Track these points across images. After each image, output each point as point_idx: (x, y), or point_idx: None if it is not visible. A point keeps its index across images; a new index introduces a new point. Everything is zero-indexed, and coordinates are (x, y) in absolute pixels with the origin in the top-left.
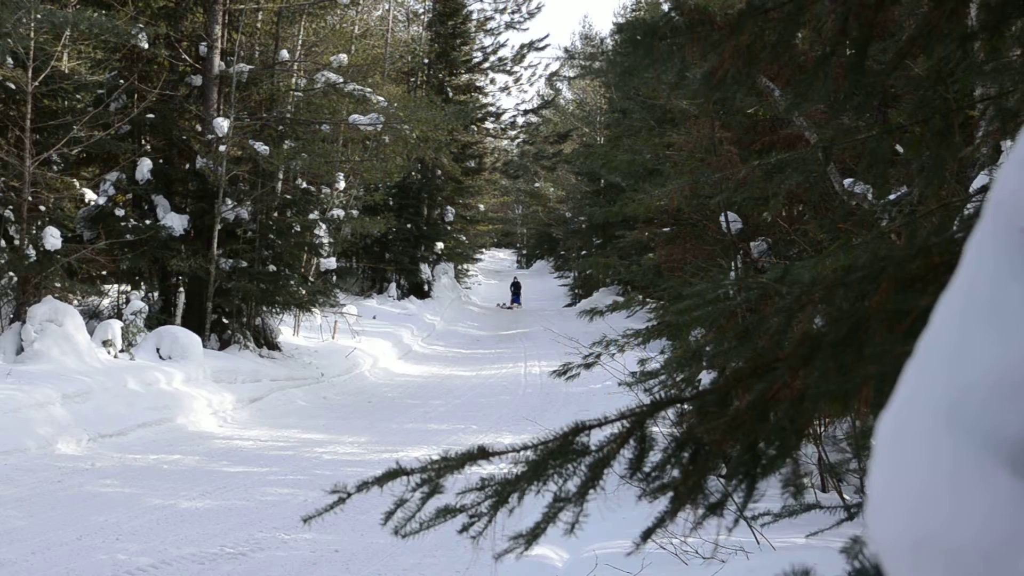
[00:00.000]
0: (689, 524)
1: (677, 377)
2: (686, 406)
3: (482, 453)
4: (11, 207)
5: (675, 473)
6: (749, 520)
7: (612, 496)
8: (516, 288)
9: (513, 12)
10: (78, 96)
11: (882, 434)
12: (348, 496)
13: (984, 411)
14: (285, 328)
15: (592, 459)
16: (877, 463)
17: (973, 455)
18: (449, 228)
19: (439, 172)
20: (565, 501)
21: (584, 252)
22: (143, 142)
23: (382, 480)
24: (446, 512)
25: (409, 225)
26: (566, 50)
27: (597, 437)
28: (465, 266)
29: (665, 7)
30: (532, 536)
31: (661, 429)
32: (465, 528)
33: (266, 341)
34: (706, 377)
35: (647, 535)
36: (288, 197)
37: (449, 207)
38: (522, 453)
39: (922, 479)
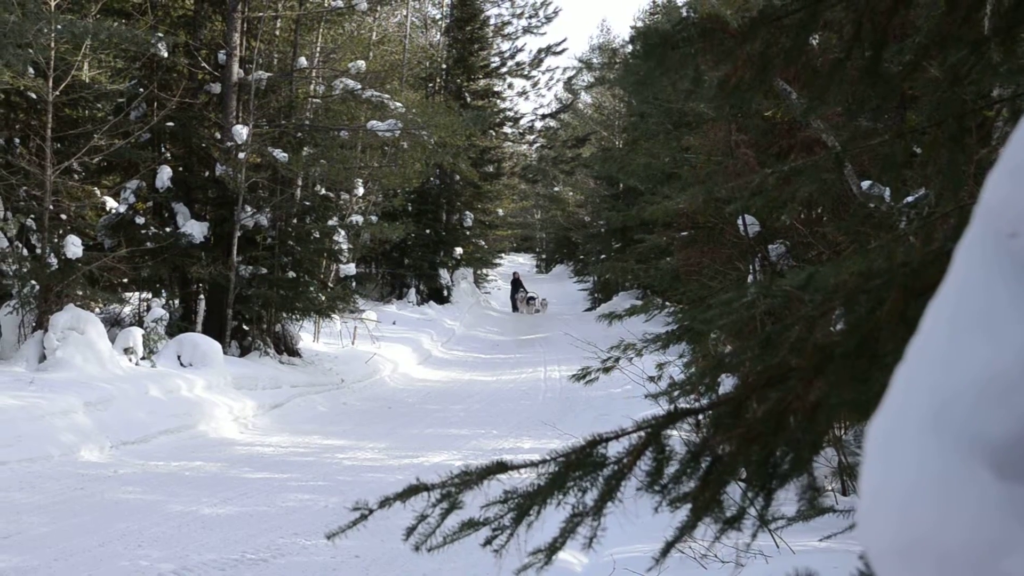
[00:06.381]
0: (709, 533)
1: (700, 388)
2: (702, 416)
3: (501, 468)
4: (33, 216)
5: (692, 484)
6: (767, 525)
7: (631, 504)
8: (516, 285)
9: (531, 17)
10: (98, 105)
11: (872, 439)
12: (370, 512)
13: (971, 416)
14: (305, 334)
15: (609, 472)
16: (867, 468)
17: (960, 459)
18: (468, 233)
19: (457, 177)
20: (583, 515)
21: (603, 256)
22: (163, 150)
23: (403, 496)
24: (470, 525)
25: (428, 230)
26: (580, 60)
27: (615, 449)
28: (484, 271)
29: (683, 11)
30: (551, 551)
31: (680, 434)
32: (488, 541)
33: (286, 347)
34: (728, 381)
35: (667, 549)
36: (307, 204)
37: (468, 212)
38: (541, 467)
39: (911, 483)
